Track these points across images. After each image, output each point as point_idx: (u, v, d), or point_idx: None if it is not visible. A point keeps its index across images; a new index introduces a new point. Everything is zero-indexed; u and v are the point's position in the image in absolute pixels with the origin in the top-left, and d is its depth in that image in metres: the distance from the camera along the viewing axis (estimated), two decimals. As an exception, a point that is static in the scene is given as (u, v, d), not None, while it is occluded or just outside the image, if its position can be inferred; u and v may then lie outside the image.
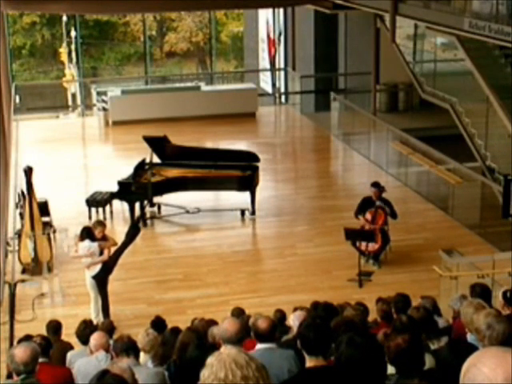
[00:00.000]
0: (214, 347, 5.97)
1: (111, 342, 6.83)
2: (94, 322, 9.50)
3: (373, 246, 13.16)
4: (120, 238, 12.19)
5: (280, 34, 27.35)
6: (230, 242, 14.62)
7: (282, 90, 26.89)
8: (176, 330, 8.20)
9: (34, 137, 21.82)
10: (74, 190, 17.08)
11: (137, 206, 15.27)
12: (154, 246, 14.63)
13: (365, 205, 13.49)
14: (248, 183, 15.56)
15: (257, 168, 15.81)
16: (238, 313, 9.23)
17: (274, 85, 27.44)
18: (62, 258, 13.04)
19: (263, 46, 29.10)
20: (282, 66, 27.20)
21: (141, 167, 15.59)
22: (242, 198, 15.56)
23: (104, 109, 22.93)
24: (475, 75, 16.00)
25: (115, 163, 19.08)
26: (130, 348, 6.24)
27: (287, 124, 25.09)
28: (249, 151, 16.50)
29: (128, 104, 22.71)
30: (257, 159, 15.90)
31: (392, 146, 18.35)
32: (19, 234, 13.30)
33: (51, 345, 7.59)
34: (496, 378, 2.33)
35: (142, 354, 6.67)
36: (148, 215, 15.72)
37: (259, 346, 5.50)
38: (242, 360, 2.76)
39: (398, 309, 7.30)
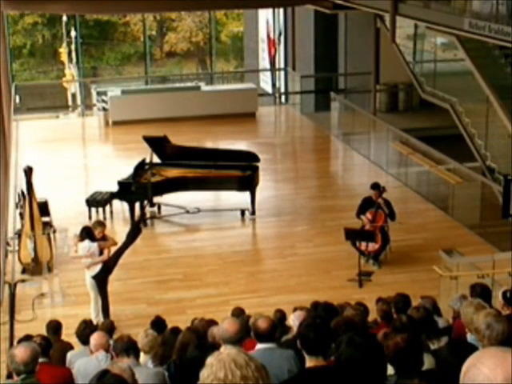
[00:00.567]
0: (214, 347, 5.97)
1: (111, 341, 6.83)
2: (94, 322, 9.50)
3: (373, 246, 13.17)
4: (120, 237, 12.19)
5: (280, 34, 27.34)
6: (230, 242, 14.62)
7: (282, 89, 26.89)
8: (176, 330, 8.20)
9: (34, 137, 21.82)
10: (74, 190, 17.08)
11: (137, 206, 15.28)
12: (153, 246, 14.63)
13: (365, 205, 13.50)
14: (248, 183, 15.56)
15: (257, 168, 15.81)
16: (238, 313, 9.23)
17: (274, 85, 27.43)
18: (62, 258, 13.04)
19: (263, 46, 29.09)
20: (282, 65, 27.20)
21: (141, 167, 15.59)
22: (242, 198, 15.56)
23: (104, 109, 22.93)
24: (475, 75, 15.99)
25: (115, 163, 19.07)
26: (130, 348, 6.24)
27: (287, 124, 25.10)
28: (249, 151, 16.51)
29: (128, 104, 22.71)
30: (257, 159, 15.90)
31: (392, 146, 18.35)
32: (19, 234, 13.30)
33: (51, 345, 7.58)
34: (496, 377, 2.33)
35: (141, 354, 6.67)
36: (148, 215, 15.72)
37: (259, 346, 5.50)
38: (241, 360, 2.76)
39: (398, 309, 7.30)
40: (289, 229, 15.17)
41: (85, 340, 7.45)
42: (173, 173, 15.72)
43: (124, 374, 4.74)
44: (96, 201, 15.60)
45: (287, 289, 12.52)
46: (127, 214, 15.33)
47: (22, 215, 13.74)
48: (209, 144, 20.67)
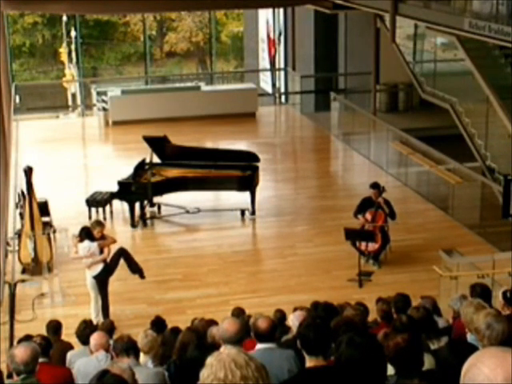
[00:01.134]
0: (214, 347, 5.97)
1: (111, 341, 6.83)
2: (94, 322, 9.50)
3: (373, 246, 13.16)
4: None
5: (280, 34, 27.34)
6: (230, 242, 14.62)
7: (282, 90, 26.89)
8: (176, 330, 8.20)
9: (34, 137, 21.82)
10: (74, 190, 17.08)
11: (137, 206, 15.28)
12: (153, 246, 14.63)
13: (364, 205, 13.49)
14: (248, 183, 15.56)
15: (257, 168, 15.81)
16: (238, 313, 9.23)
17: (274, 85, 27.43)
18: (62, 258, 13.04)
19: (263, 46, 29.10)
20: (282, 66, 27.20)
21: (141, 167, 15.59)
22: (242, 198, 15.56)
23: (104, 109, 22.93)
24: (475, 75, 15.99)
25: (115, 163, 19.07)
26: (130, 348, 6.24)
27: (287, 124, 25.10)
28: (249, 151, 16.50)
29: (128, 104, 22.71)
30: (257, 159, 15.90)
31: (392, 146, 18.35)
32: (19, 234, 13.30)
33: (51, 345, 7.58)
34: (496, 377, 2.33)
35: (141, 354, 6.67)
36: (148, 215, 15.72)
37: (259, 346, 5.50)
38: (241, 360, 2.76)
39: (398, 309, 7.30)
40: (289, 229, 15.17)
41: (85, 340, 7.45)
42: (173, 173, 15.72)
43: (124, 374, 4.74)
44: (96, 201, 15.60)
45: (287, 289, 12.52)
46: (127, 214, 15.33)
47: (21, 215, 13.74)
48: (209, 144, 20.67)
